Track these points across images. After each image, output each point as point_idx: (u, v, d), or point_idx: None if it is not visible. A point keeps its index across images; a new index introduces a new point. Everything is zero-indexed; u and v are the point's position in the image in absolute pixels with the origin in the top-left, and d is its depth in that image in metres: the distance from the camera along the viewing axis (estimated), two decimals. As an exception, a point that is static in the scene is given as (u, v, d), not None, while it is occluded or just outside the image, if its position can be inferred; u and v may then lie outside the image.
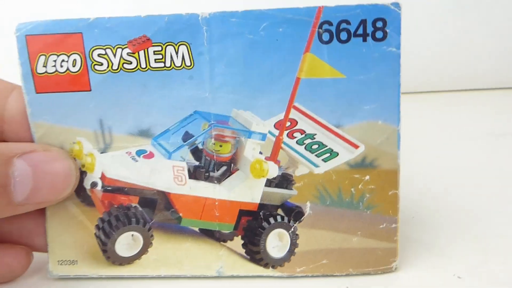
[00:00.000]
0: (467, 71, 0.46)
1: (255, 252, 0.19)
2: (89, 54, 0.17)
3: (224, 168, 0.19)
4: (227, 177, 0.19)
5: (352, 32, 0.17)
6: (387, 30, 0.17)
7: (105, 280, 0.19)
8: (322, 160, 0.18)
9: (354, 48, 0.17)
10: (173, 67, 0.18)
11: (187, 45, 0.17)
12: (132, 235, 0.19)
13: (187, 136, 0.19)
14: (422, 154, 0.31)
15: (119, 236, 0.19)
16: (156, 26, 0.17)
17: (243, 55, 0.17)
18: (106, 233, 0.19)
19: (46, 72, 0.18)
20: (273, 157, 0.18)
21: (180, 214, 0.19)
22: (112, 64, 0.18)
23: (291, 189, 0.19)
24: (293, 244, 0.19)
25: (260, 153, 0.19)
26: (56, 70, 0.18)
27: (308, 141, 0.18)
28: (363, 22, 0.17)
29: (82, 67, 0.18)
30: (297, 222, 0.19)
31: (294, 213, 0.19)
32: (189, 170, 0.19)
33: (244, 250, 0.19)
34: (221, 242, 0.19)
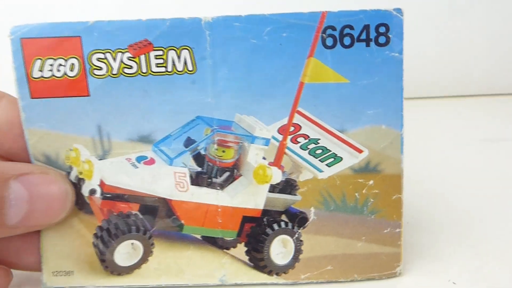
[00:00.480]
0: (464, 77, 0.48)
1: (259, 259, 0.19)
2: (87, 58, 0.17)
3: (227, 174, 0.19)
4: (230, 183, 0.19)
5: (355, 37, 0.17)
6: (390, 36, 0.17)
7: (104, 291, 0.19)
8: (326, 165, 0.18)
9: (357, 53, 0.17)
10: (175, 72, 0.17)
11: (190, 49, 0.17)
12: (132, 243, 0.18)
13: (189, 142, 0.18)
14: (418, 159, 0.32)
15: (118, 245, 0.18)
16: (158, 30, 0.17)
17: (246, 59, 0.17)
18: (105, 242, 0.18)
19: (42, 76, 0.17)
20: (276, 162, 0.18)
21: (182, 221, 0.19)
22: (112, 68, 0.17)
23: (295, 195, 0.19)
24: (298, 251, 0.19)
25: (264, 158, 0.18)
26: (53, 75, 0.17)
27: (312, 146, 0.18)
28: (366, 28, 0.17)
29: (80, 72, 0.17)
30: (301, 228, 0.19)
31: (298, 219, 0.19)
32: (191, 176, 0.18)
33: (247, 258, 0.19)
34: (224, 250, 0.19)
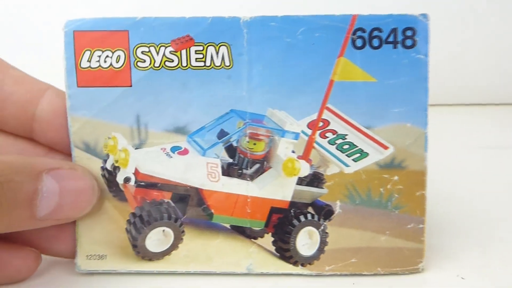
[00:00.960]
0: (467, 86, 0.49)
1: (285, 250, 0.19)
2: (133, 51, 0.18)
3: (257, 166, 0.20)
4: (259, 175, 0.20)
5: (383, 39, 0.18)
6: (416, 39, 0.18)
7: (134, 276, 0.19)
8: (353, 160, 0.19)
9: (385, 54, 0.18)
10: (212, 67, 0.19)
11: (228, 46, 0.18)
12: (164, 230, 0.19)
13: (222, 134, 0.19)
14: (432, 161, 0.33)
15: (150, 232, 0.19)
16: (200, 27, 0.18)
17: (280, 57, 0.19)
18: (137, 228, 0.19)
19: (89, 67, 0.18)
20: (305, 156, 0.19)
21: (212, 211, 0.19)
22: (155, 61, 0.18)
23: (322, 188, 0.19)
24: (323, 242, 0.19)
25: (293, 152, 0.19)
26: (100, 65, 0.18)
27: (339, 141, 0.19)
28: (394, 31, 0.18)
29: (125, 63, 0.18)
30: (327, 221, 0.19)
31: (324, 212, 0.19)
32: (222, 167, 0.19)
33: (274, 248, 0.20)
34: (252, 239, 0.20)
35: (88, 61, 0.18)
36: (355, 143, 0.19)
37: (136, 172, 0.19)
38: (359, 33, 0.18)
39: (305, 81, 0.19)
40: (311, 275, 0.19)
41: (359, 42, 0.18)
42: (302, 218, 0.19)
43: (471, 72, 0.48)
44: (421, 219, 0.19)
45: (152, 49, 0.18)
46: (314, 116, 0.19)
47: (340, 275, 0.19)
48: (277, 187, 0.19)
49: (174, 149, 0.20)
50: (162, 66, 0.19)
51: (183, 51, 0.18)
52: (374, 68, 0.18)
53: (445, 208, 0.25)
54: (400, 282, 0.19)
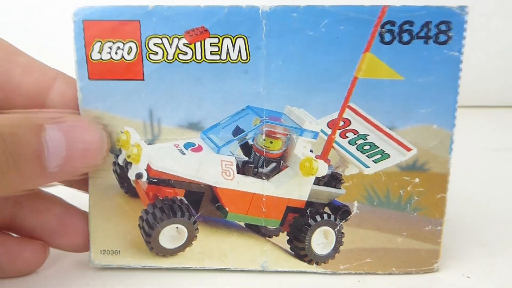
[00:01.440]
0: (476, 88, 0.48)
1: (300, 249, 0.20)
2: (145, 42, 0.17)
3: (273, 164, 0.19)
4: (275, 174, 0.19)
5: (414, 34, 0.17)
6: (451, 34, 0.17)
7: (148, 271, 0.20)
8: (373, 161, 0.19)
9: (415, 50, 0.17)
10: (228, 60, 0.18)
11: (245, 38, 0.17)
12: (177, 227, 0.19)
13: (237, 131, 0.19)
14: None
15: (163, 228, 0.19)
16: (215, 18, 0.17)
17: (301, 51, 0.18)
18: (150, 224, 0.19)
19: (100, 58, 0.17)
20: (323, 156, 0.19)
21: (227, 209, 0.19)
22: (168, 54, 0.18)
23: (340, 188, 0.19)
24: (338, 242, 0.19)
25: (311, 151, 0.19)
26: (111, 57, 0.17)
27: (360, 141, 0.19)
28: (427, 24, 0.17)
29: (137, 56, 0.18)
30: (343, 221, 0.19)
31: (341, 212, 0.19)
32: (237, 165, 0.19)
33: (289, 246, 0.20)
34: (267, 238, 0.20)
35: (99, 52, 0.17)
36: (376, 144, 0.19)
37: (148, 168, 0.19)
38: (388, 27, 0.17)
39: (326, 78, 0.18)
40: (325, 274, 0.20)
41: (387, 37, 0.17)
42: (318, 218, 0.19)
43: (479, 75, 0.47)
44: (440, 221, 0.19)
45: (165, 40, 0.17)
46: (335, 115, 0.18)
47: (355, 274, 0.20)
48: (294, 187, 0.19)
49: (187, 145, 0.19)
50: (176, 59, 0.18)
51: (198, 43, 0.17)
52: (402, 65, 0.17)
53: (452, 209, 0.25)
54: (406, 281, 0.19)
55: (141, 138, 0.19)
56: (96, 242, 0.20)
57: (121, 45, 0.17)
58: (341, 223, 0.19)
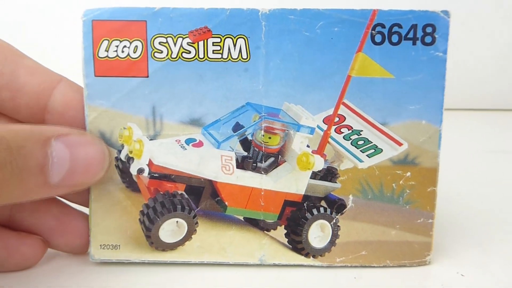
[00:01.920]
0: (473, 92, 0.50)
1: (297, 242, 0.20)
2: (151, 41, 0.19)
3: (271, 159, 0.20)
4: (274, 168, 0.20)
5: (403, 35, 0.19)
6: (436, 36, 0.19)
7: (148, 266, 0.20)
8: (367, 155, 0.20)
9: (404, 51, 0.19)
10: (229, 59, 0.19)
11: (245, 38, 0.19)
12: (177, 221, 0.20)
13: (237, 127, 0.20)
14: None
15: (163, 223, 0.20)
16: (218, 19, 0.19)
17: (298, 51, 0.19)
18: (151, 219, 0.20)
19: (107, 56, 0.19)
20: (319, 150, 0.20)
21: (226, 203, 0.20)
22: (172, 52, 0.19)
23: (335, 182, 0.20)
24: (334, 235, 0.20)
25: (308, 146, 0.20)
26: (117, 55, 0.19)
27: (354, 136, 0.20)
28: (414, 27, 0.19)
29: (142, 54, 0.19)
30: (339, 214, 0.20)
31: (336, 206, 0.20)
32: (237, 160, 0.20)
33: (286, 240, 0.21)
34: (265, 231, 0.21)
35: (106, 50, 0.19)
36: (370, 139, 0.20)
37: (150, 164, 0.20)
38: (378, 29, 0.19)
39: (322, 76, 0.19)
40: (322, 267, 0.20)
41: (378, 38, 0.19)
42: (315, 211, 0.20)
43: (476, 78, 0.49)
44: (431, 214, 0.20)
45: (169, 40, 0.19)
46: (330, 111, 0.20)
47: (350, 266, 0.20)
48: (291, 181, 0.20)
49: (188, 141, 0.20)
50: (179, 58, 0.19)
51: (201, 43, 0.19)
52: (392, 65, 0.19)
53: (448, 208, 0.26)
54: (401, 278, 0.20)
55: (143, 134, 0.20)
56: (96, 236, 0.20)
57: (127, 43, 0.19)
58: (337, 217, 0.20)
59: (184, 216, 0.20)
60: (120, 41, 0.18)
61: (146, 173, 0.20)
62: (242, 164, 0.20)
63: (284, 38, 0.19)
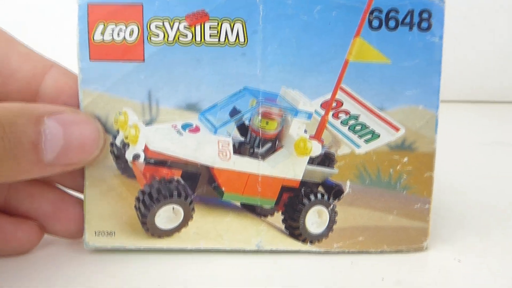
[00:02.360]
0: (471, 84, 0.51)
1: (294, 228, 0.21)
2: (147, 25, 0.19)
3: (269, 145, 0.21)
4: (271, 154, 0.21)
5: (400, 21, 0.19)
6: (432, 21, 0.19)
7: (143, 252, 0.20)
8: (364, 141, 0.20)
9: (400, 36, 0.19)
10: (227, 44, 0.19)
11: (243, 22, 0.19)
12: (173, 208, 0.20)
13: (234, 112, 0.20)
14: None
15: (159, 209, 0.20)
16: (215, 2, 0.19)
17: (296, 36, 0.19)
18: (147, 205, 0.20)
19: (102, 40, 0.19)
20: (317, 136, 0.20)
21: (223, 189, 0.20)
22: (168, 36, 0.19)
23: (333, 168, 0.21)
24: (332, 221, 0.21)
25: (305, 131, 0.20)
26: (113, 39, 0.19)
27: (352, 122, 0.20)
28: (411, 12, 0.19)
29: (138, 37, 0.19)
30: (336, 200, 0.21)
31: (334, 191, 0.21)
32: (234, 146, 0.20)
33: (283, 225, 0.21)
34: (262, 217, 0.21)
35: (101, 34, 0.19)
36: (367, 124, 0.20)
37: (146, 149, 0.20)
38: (376, 14, 0.19)
39: (320, 61, 0.19)
40: (319, 252, 0.21)
41: (375, 23, 0.19)
42: (312, 197, 0.21)
43: (475, 71, 0.50)
44: (428, 200, 0.21)
45: (166, 23, 0.19)
46: (328, 96, 0.20)
47: (348, 252, 0.21)
48: (289, 166, 0.20)
49: (185, 126, 0.20)
50: (176, 42, 0.19)
51: (198, 27, 0.19)
52: (389, 50, 0.19)
53: (446, 198, 0.27)
54: (398, 264, 0.20)
55: (139, 119, 0.20)
56: (91, 223, 0.20)
57: (123, 27, 0.19)
58: (334, 202, 0.21)
59: (180, 203, 0.20)
60: (116, 25, 0.19)
61: (142, 159, 0.20)
62: (239, 149, 0.20)
63: (281, 22, 0.19)
